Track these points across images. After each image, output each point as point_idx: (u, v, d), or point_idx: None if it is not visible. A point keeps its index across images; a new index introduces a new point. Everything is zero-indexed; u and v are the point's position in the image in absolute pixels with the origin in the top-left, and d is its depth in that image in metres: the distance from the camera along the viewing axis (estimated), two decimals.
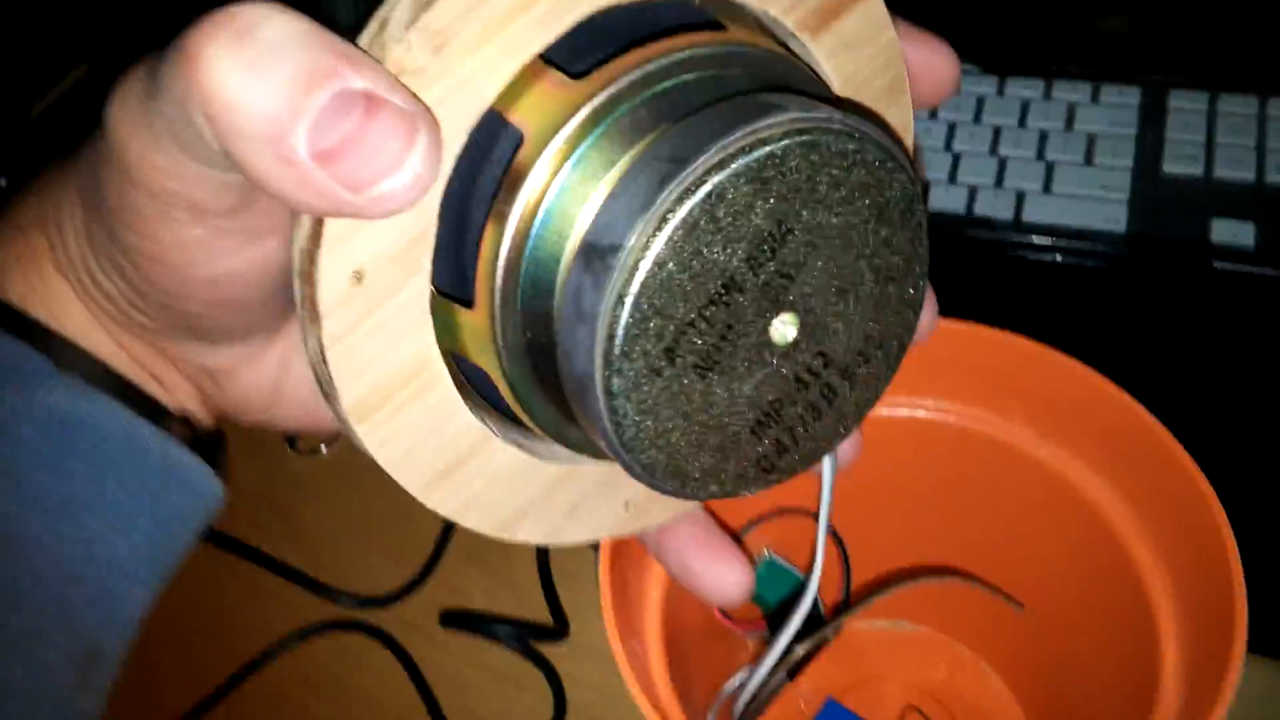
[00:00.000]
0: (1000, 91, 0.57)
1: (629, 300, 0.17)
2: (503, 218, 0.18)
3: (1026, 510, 0.36)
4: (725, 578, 0.25)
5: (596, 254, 0.18)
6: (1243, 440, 0.44)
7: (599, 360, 0.17)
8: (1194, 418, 0.33)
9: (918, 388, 0.36)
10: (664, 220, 0.17)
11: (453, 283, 0.19)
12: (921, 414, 0.37)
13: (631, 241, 0.17)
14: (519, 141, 0.18)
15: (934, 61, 0.23)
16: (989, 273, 0.52)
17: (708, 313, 0.18)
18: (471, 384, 0.21)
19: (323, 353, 0.19)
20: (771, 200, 0.18)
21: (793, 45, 0.21)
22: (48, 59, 0.72)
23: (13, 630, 0.22)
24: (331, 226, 0.18)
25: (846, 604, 0.38)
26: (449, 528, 0.48)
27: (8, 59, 0.69)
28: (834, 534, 0.38)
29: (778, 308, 0.19)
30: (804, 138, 0.17)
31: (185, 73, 0.16)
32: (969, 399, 0.36)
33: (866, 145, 0.18)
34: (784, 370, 0.19)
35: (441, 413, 0.20)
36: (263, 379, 0.25)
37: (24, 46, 0.70)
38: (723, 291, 0.18)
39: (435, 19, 0.17)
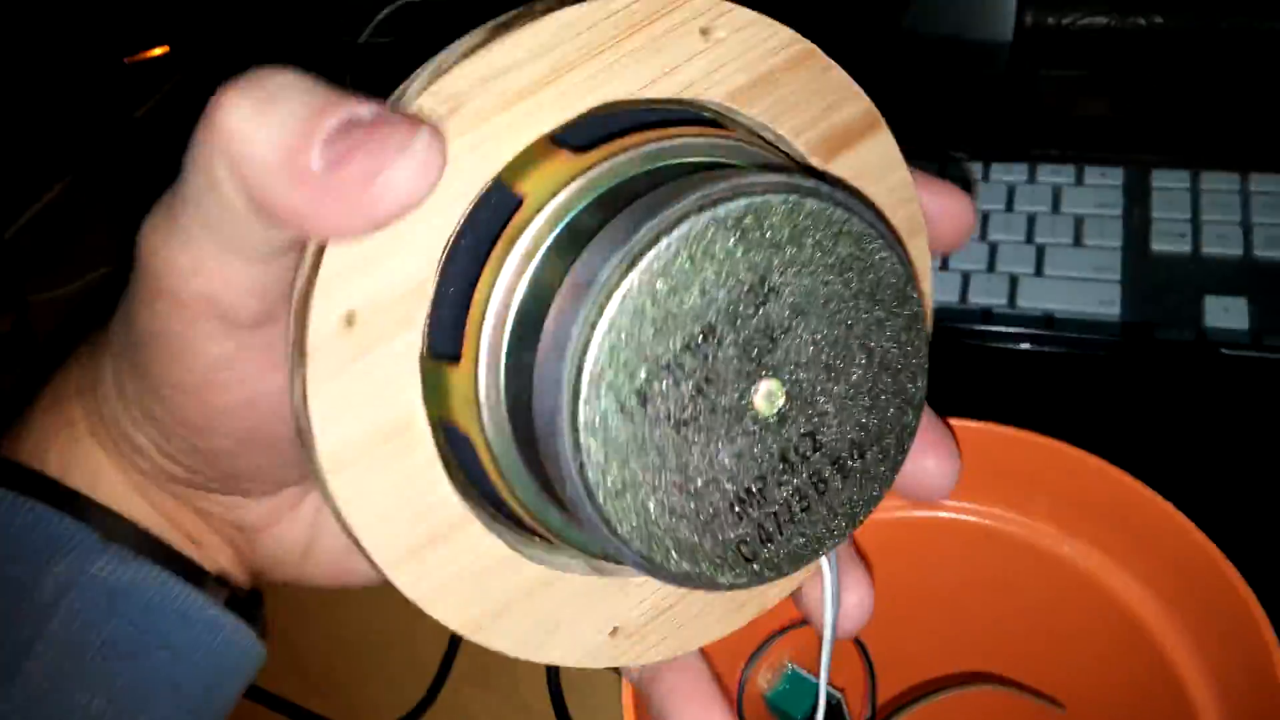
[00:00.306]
0: (985, 177, 0.58)
1: (599, 328, 0.17)
2: (495, 271, 0.19)
3: (1055, 610, 0.35)
4: None
5: (575, 290, 0.18)
6: (1254, 525, 0.44)
7: (566, 390, 0.17)
8: (1207, 504, 0.33)
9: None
10: (639, 255, 0.17)
11: (444, 344, 0.19)
12: (942, 515, 0.36)
13: (605, 275, 0.17)
14: (518, 205, 0.19)
15: (951, 206, 0.23)
16: (987, 364, 0.52)
17: (683, 360, 0.17)
18: (460, 464, 0.20)
19: (304, 395, 0.18)
20: (753, 252, 0.18)
21: None
22: (23, 179, 0.71)
23: None
24: (329, 264, 0.18)
25: (874, 700, 0.37)
26: (452, 650, 0.46)
27: None
28: (858, 644, 0.37)
29: (761, 371, 0.18)
30: (789, 196, 0.18)
31: (207, 126, 0.17)
32: (989, 498, 0.35)
33: (853, 218, 0.18)
34: (768, 443, 0.19)
35: (421, 480, 0.19)
36: (295, 535, 0.25)
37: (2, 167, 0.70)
38: (700, 339, 0.18)
39: (450, 85, 0.18)
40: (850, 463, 0.20)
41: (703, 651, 0.32)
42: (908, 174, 0.22)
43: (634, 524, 0.18)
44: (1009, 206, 0.57)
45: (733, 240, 0.17)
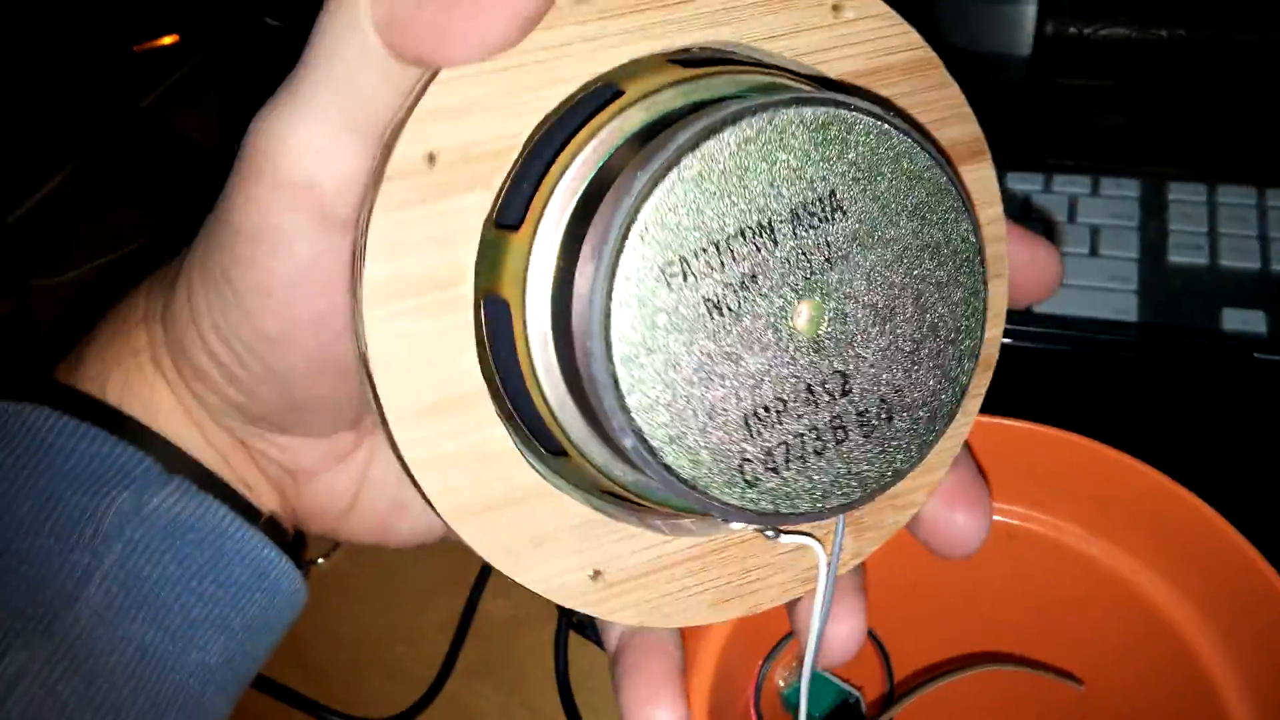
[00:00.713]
0: (1002, 186, 0.57)
1: (662, 184, 0.17)
2: (575, 151, 0.19)
3: (1080, 608, 0.35)
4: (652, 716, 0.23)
5: (647, 154, 0.17)
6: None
7: (615, 232, 0.17)
8: (1236, 504, 0.32)
9: None
10: (717, 128, 0.17)
11: (511, 214, 0.19)
12: None
13: (681, 138, 0.17)
14: (616, 95, 0.19)
15: (1040, 258, 0.23)
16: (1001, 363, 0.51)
17: (735, 244, 0.17)
18: (492, 343, 0.20)
19: (368, 221, 0.18)
20: (831, 163, 0.17)
21: None
22: (26, 166, 0.71)
23: None
24: (428, 101, 0.18)
25: (891, 699, 0.36)
26: (457, 642, 0.46)
27: None
28: (871, 635, 0.37)
29: (810, 288, 0.18)
30: (879, 122, 0.17)
31: None
32: (1013, 497, 0.35)
33: (937, 169, 0.18)
34: (798, 366, 0.18)
35: (451, 342, 0.19)
36: (342, 486, 0.25)
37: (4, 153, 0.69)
38: (758, 230, 0.17)
39: None
40: (876, 421, 0.19)
41: (721, 647, 0.31)
42: (1002, 213, 0.22)
43: (645, 397, 0.17)
44: (1025, 215, 0.56)
45: (813, 142, 0.17)
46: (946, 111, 0.21)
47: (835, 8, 0.20)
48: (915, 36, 0.21)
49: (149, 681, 0.23)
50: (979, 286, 0.19)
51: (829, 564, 0.22)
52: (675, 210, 0.17)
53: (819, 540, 0.22)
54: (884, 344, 0.19)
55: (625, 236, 0.17)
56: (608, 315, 0.17)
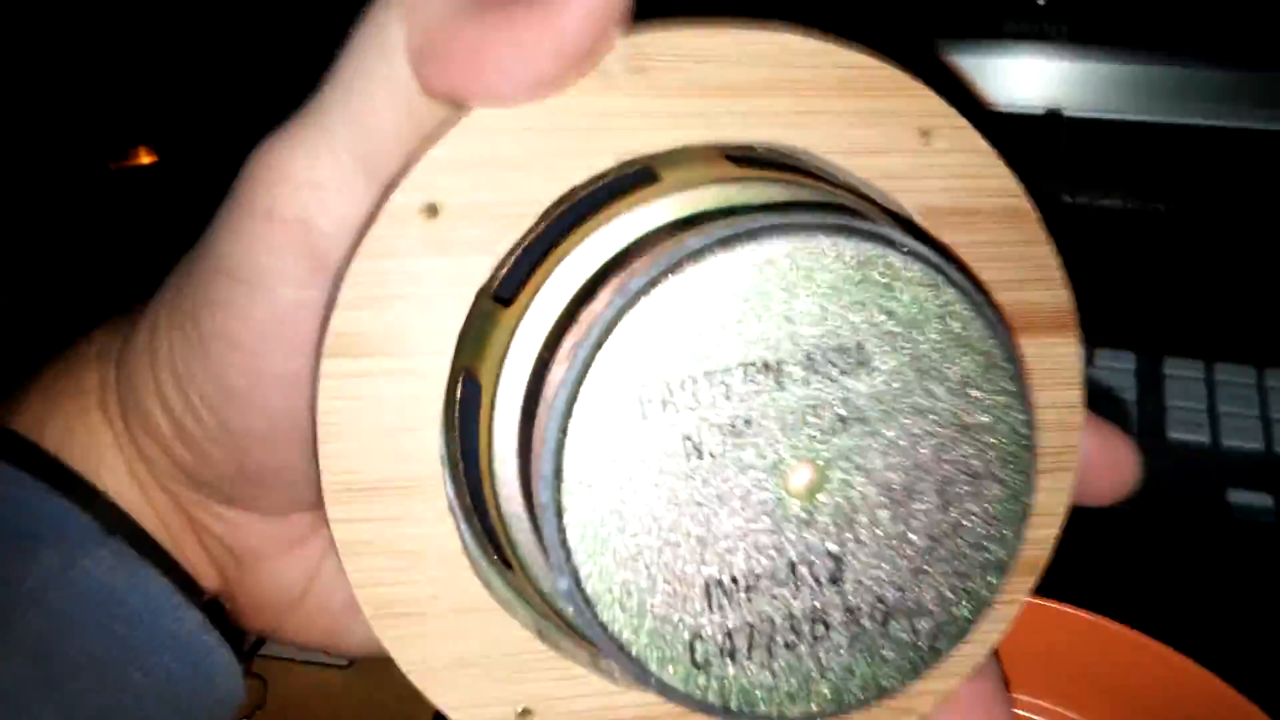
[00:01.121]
0: None
1: (656, 293, 0.14)
2: (591, 230, 0.16)
3: None
4: None
5: (655, 253, 0.15)
6: None
7: (595, 335, 0.14)
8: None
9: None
10: (739, 239, 0.14)
11: (508, 288, 0.17)
12: None
13: (692, 243, 0.14)
14: (651, 180, 0.17)
15: (1118, 458, 0.20)
16: None
17: (733, 381, 0.15)
18: (461, 426, 0.17)
19: (347, 266, 0.17)
20: (864, 309, 0.15)
21: None
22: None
23: None
24: (440, 151, 0.16)
25: None
26: None
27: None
28: None
29: (813, 451, 0.15)
30: (933, 273, 0.15)
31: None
32: (1034, 689, 0.31)
33: (996, 341, 0.15)
34: (783, 539, 0.15)
35: (413, 414, 0.17)
36: (290, 576, 0.22)
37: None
38: (763, 369, 0.15)
39: (645, 42, 0.17)
40: (867, 623, 0.16)
41: None
42: (1080, 398, 0.19)
43: (590, 538, 0.15)
44: None
45: (848, 281, 0.15)
46: (1033, 272, 0.19)
47: (924, 133, 0.18)
48: (1011, 182, 0.19)
49: None
50: (1024, 489, 0.16)
51: None
52: (668, 326, 0.14)
53: None
54: (893, 533, 0.16)
55: (601, 344, 0.14)
56: (564, 433, 0.14)
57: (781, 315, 0.15)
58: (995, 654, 0.21)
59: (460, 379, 0.17)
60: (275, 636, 0.24)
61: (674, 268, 0.14)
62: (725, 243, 0.14)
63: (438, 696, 0.18)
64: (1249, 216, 0.57)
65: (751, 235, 0.15)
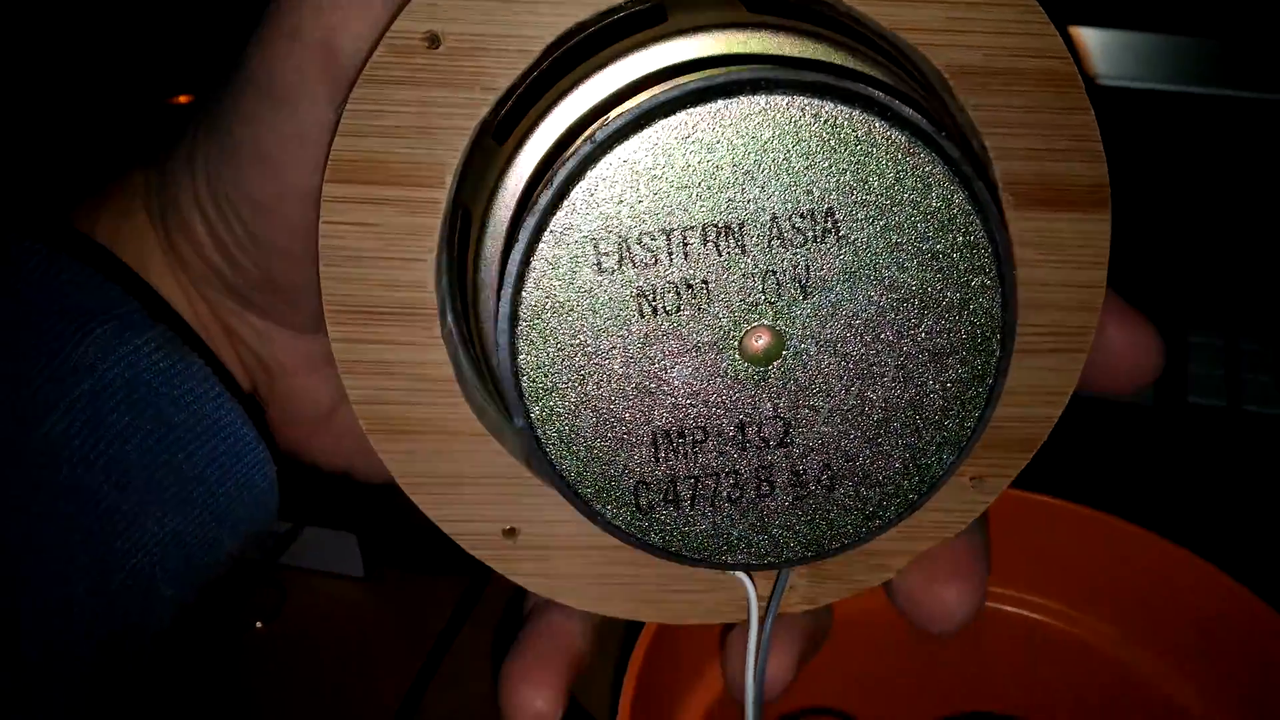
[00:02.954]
0: None
1: (631, 141, 0.14)
2: (591, 69, 0.16)
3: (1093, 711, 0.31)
4: (537, 703, 0.20)
5: (634, 101, 0.15)
6: None
7: (560, 180, 0.14)
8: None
9: (1002, 575, 0.31)
10: (711, 93, 0.14)
11: (507, 124, 0.17)
12: (986, 605, 0.32)
13: (667, 94, 0.14)
14: (658, 19, 0.16)
15: (1140, 342, 0.19)
16: None
17: (692, 239, 0.14)
18: (455, 256, 0.17)
19: (352, 90, 0.17)
20: (836, 172, 0.15)
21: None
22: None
23: (45, 600, 0.19)
24: None
25: None
26: (413, 698, 0.41)
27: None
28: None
29: (771, 315, 0.15)
30: (917, 144, 0.15)
31: None
32: (1043, 588, 0.31)
33: (976, 220, 0.15)
34: (733, 396, 0.15)
35: (412, 244, 0.17)
36: (319, 393, 0.23)
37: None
38: (723, 230, 0.15)
39: None
40: (813, 486, 0.16)
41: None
42: (1104, 279, 0.18)
43: (542, 378, 0.15)
44: None
45: (824, 144, 0.14)
46: (1072, 141, 0.17)
47: None
48: (1057, 41, 0.17)
49: (96, 539, 0.20)
50: (988, 372, 0.16)
51: (769, 604, 0.19)
52: (631, 180, 0.14)
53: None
54: (846, 403, 0.16)
55: (565, 192, 0.14)
56: (521, 278, 0.15)
57: (749, 175, 0.14)
58: (984, 522, 0.21)
59: (459, 213, 0.17)
60: (305, 455, 0.24)
61: (641, 121, 0.14)
62: (696, 97, 0.14)
63: (430, 509, 0.18)
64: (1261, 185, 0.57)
65: (724, 91, 0.14)
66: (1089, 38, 0.57)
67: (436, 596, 0.44)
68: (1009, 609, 0.32)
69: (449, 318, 0.18)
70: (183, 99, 0.70)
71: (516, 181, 0.16)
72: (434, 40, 0.16)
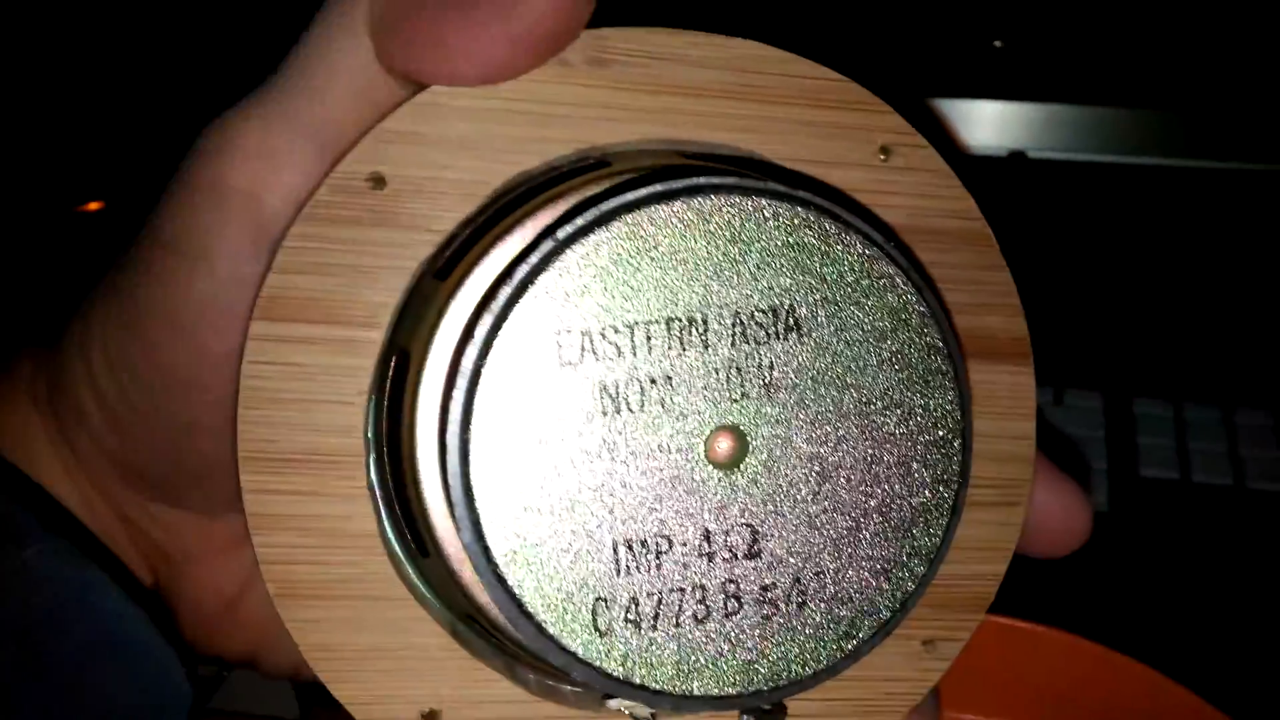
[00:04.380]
0: None
1: (585, 241, 0.14)
2: (536, 209, 0.16)
3: None
4: None
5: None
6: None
7: (518, 278, 0.14)
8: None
9: (962, 701, 0.30)
10: (673, 193, 0.14)
11: (450, 263, 0.16)
12: None
13: (626, 195, 0.14)
14: (604, 165, 0.16)
15: (1068, 508, 0.20)
16: None
17: (656, 333, 0.14)
18: (389, 403, 0.16)
19: (285, 231, 0.16)
20: (799, 271, 0.15)
21: None
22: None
23: None
24: (394, 119, 0.16)
25: None
26: None
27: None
28: None
29: (734, 415, 0.15)
30: (872, 245, 0.15)
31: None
32: (1013, 713, 0.30)
33: (935, 325, 0.15)
34: (696, 502, 0.15)
35: (341, 388, 0.16)
36: (224, 581, 0.22)
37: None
38: (687, 324, 0.14)
39: (611, 36, 0.16)
40: (782, 603, 0.15)
41: None
42: (1034, 430, 0.19)
43: (495, 484, 0.14)
44: None
45: (784, 244, 0.14)
46: (992, 297, 0.19)
47: (885, 150, 0.18)
48: (971, 204, 0.18)
49: None
50: (951, 476, 0.16)
51: None
52: (594, 273, 0.14)
53: None
54: (814, 510, 0.15)
55: (525, 287, 0.14)
56: (477, 373, 0.14)
57: (711, 273, 0.14)
58: (935, 692, 0.20)
59: (394, 357, 0.16)
60: (207, 647, 0.23)
61: (606, 217, 0.14)
62: (660, 197, 0.14)
63: (340, 689, 0.17)
64: (1216, 256, 0.58)
65: (687, 191, 0.14)
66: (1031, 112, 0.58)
67: None
68: None
69: (373, 468, 0.17)
70: (91, 206, 0.69)
71: (459, 317, 0.16)
72: (379, 181, 0.16)
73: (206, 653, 0.23)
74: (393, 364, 0.17)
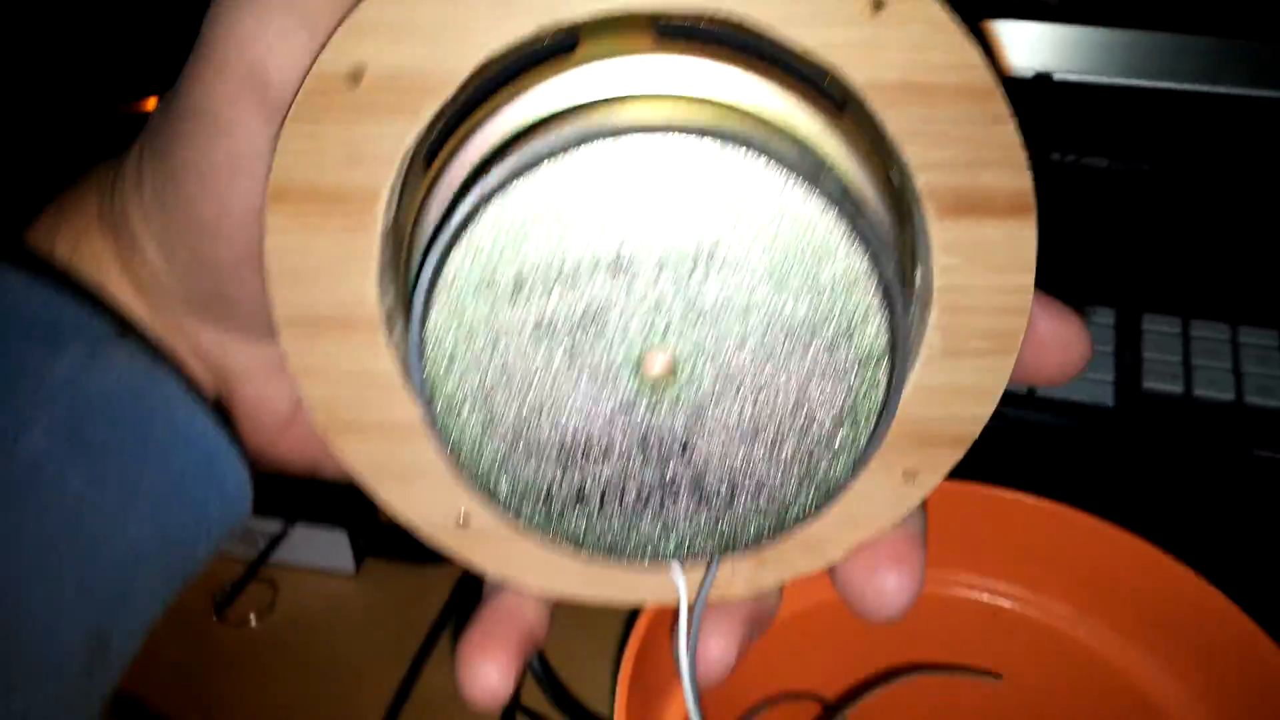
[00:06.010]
0: None
1: (536, 175, 0.15)
2: (506, 100, 0.17)
3: (1068, 698, 0.33)
4: (490, 676, 0.21)
5: (542, 136, 0.16)
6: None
7: (465, 208, 0.16)
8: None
9: (944, 559, 0.33)
10: (605, 133, 0.15)
11: (434, 150, 0.18)
12: (946, 592, 0.34)
13: (571, 134, 0.16)
14: (570, 49, 0.17)
15: (1066, 336, 0.20)
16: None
17: (584, 270, 0.16)
18: (395, 270, 0.19)
19: (280, 128, 0.18)
20: (725, 211, 0.16)
21: (917, 218, 0.19)
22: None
23: (36, 598, 0.20)
24: (365, 10, 0.17)
25: None
26: (396, 706, 0.42)
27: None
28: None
29: (668, 340, 0.16)
30: (802, 185, 0.16)
31: None
32: (999, 572, 0.33)
33: (861, 260, 0.16)
34: (634, 414, 0.17)
35: (354, 262, 0.18)
36: (279, 398, 0.24)
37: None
38: (620, 262, 0.16)
39: None
40: (714, 496, 0.18)
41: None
42: (1031, 283, 0.19)
43: (452, 402, 0.17)
44: None
45: (712, 185, 0.16)
46: (993, 152, 0.18)
47: (877, 5, 0.17)
48: (973, 54, 0.17)
49: (82, 540, 0.20)
50: (874, 394, 0.17)
51: (701, 590, 0.20)
52: (522, 220, 0.16)
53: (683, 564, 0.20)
54: (740, 423, 0.17)
55: (459, 235, 0.16)
56: (426, 311, 0.16)
57: (637, 213, 0.16)
58: (923, 513, 0.22)
59: (399, 231, 0.19)
60: (267, 460, 0.25)
61: (529, 166, 0.15)
62: (583, 140, 0.15)
63: (385, 500, 0.20)
64: (1228, 178, 0.59)
65: (616, 132, 0.15)
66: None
67: (427, 588, 0.46)
68: (972, 594, 0.34)
69: (397, 328, 0.19)
70: (151, 102, 0.71)
71: (439, 205, 0.18)
72: (356, 76, 0.17)
73: (271, 462, 0.25)
74: (399, 239, 0.19)
